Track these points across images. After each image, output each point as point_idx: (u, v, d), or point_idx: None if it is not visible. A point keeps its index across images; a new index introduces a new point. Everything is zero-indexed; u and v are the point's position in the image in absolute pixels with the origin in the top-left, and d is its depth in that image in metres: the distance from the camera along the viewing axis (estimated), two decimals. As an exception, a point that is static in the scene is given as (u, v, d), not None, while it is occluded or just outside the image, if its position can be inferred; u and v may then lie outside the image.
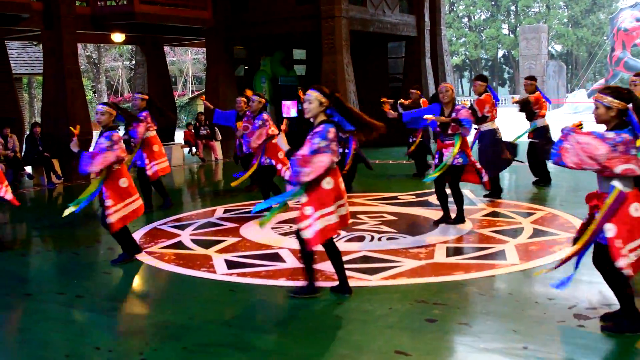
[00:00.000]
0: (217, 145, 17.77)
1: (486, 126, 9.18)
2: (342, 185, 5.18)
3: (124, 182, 6.63)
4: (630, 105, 4.03)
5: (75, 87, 14.37)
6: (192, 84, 47.30)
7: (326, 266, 5.78)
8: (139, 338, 4.71)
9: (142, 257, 6.97)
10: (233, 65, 18.85)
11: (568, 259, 4.30)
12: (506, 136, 9.64)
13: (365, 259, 6.39)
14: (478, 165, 7.90)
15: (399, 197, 10.02)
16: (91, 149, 6.59)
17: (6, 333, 4.91)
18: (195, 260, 6.72)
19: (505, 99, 45.80)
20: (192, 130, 17.92)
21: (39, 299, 5.77)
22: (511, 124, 13.54)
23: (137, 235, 8.04)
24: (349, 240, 7.27)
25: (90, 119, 14.60)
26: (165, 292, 5.98)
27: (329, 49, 16.15)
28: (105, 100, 37.91)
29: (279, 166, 8.80)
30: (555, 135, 4.80)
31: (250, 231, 7.98)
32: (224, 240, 7.56)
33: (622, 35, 41.25)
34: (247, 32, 17.96)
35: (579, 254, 4.23)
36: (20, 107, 17.23)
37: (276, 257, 6.70)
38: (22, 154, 14.03)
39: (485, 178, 7.90)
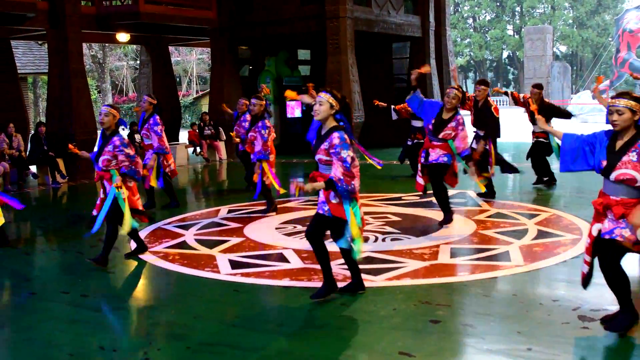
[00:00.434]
0: (222, 145, 17.78)
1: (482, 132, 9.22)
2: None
3: (130, 181, 6.77)
4: None
5: (80, 86, 14.40)
6: (196, 84, 47.35)
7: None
8: (143, 337, 4.72)
9: (146, 256, 6.99)
10: (237, 65, 18.86)
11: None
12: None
13: (369, 260, 6.39)
14: (457, 170, 7.91)
15: (403, 197, 10.01)
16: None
17: (11, 332, 4.92)
18: (200, 260, 6.73)
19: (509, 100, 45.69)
20: (197, 130, 17.93)
21: (44, 298, 5.79)
22: (514, 126, 13.46)
23: (142, 235, 8.05)
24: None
25: (95, 119, 14.64)
26: (169, 291, 5.98)
27: (333, 49, 16.15)
28: (110, 100, 37.98)
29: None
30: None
31: (254, 231, 7.98)
32: (228, 240, 7.56)
33: (628, 37, 41.15)
34: (252, 32, 17.98)
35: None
36: (25, 106, 17.28)
37: (280, 258, 6.70)
38: (27, 153, 14.07)
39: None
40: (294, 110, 19.13)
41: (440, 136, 7.59)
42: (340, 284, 5.44)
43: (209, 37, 18.24)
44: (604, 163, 4.14)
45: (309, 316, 5.00)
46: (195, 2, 17.14)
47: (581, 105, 35.16)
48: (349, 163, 4.88)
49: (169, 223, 8.77)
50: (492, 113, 9.12)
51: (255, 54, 20.32)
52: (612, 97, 4.17)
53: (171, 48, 24.32)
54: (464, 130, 7.58)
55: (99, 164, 6.59)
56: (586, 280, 4.43)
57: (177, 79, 40.71)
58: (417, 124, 11.69)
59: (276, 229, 8.10)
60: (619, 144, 4.11)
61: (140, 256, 6.99)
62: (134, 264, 6.83)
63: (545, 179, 10.69)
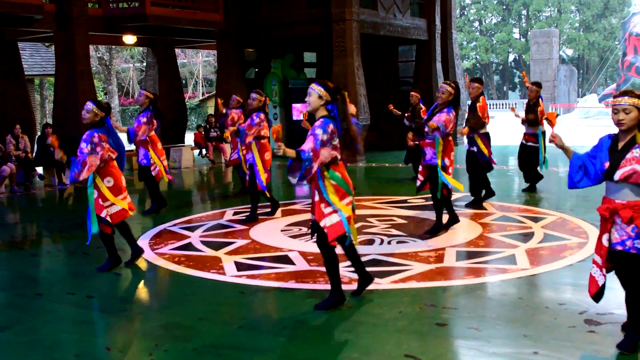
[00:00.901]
0: (227, 148, 17.77)
1: (483, 131, 9.18)
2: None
3: (108, 182, 6.49)
4: None
5: (86, 88, 14.45)
6: (202, 86, 47.47)
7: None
8: (149, 339, 4.72)
9: (152, 258, 7.00)
10: (244, 67, 18.89)
11: None
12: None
13: (375, 262, 6.38)
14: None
15: (408, 200, 10.00)
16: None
17: (17, 333, 4.93)
18: (205, 262, 6.73)
19: (515, 103, 45.69)
20: (202, 132, 17.97)
21: (50, 299, 5.80)
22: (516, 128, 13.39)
23: (147, 237, 8.07)
24: (359, 243, 7.25)
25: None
26: (175, 293, 5.99)
27: (339, 52, 16.17)
28: (116, 101, 38.07)
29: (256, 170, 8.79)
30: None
31: (260, 233, 7.98)
32: (233, 242, 7.57)
33: (634, 40, 41.07)
34: (258, 34, 18.01)
35: None
36: (32, 108, 17.32)
37: (286, 260, 6.70)
38: (34, 154, 14.11)
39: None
40: (300, 113, 19.13)
41: (425, 130, 7.41)
42: (346, 287, 5.43)
43: (215, 39, 18.28)
44: (607, 164, 4.03)
45: (314, 319, 5.00)
46: (201, 5, 17.19)
47: (587, 109, 35.11)
48: (319, 141, 4.84)
49: (175, 225, 8.78)
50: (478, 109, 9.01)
51: (261, 57, 20.35)
52: (615, 97, 4.09)
53: (177, 50, 24.40)
54: (447, 114, 7.31)
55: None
56: (598, 295, 4.19)
57: (183, 81, 40.77)
58: None
59: (281, 231, 8.10)
60: (621, 143, 4.02)
61: (146, 258, 6.99)
62: (139, 265, 6.84)
63: (531, 183, 10.59)
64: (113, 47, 35.20)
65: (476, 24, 64.23)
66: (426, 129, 7.41)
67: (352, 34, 16.08)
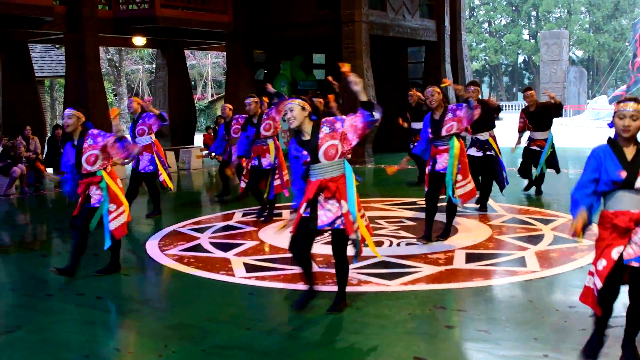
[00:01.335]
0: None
1: (482, 136, 9.06)
2: None
3: (120, 184, 6.46)
4: None
5: (96, 89, 14.51)
6: (211, 88, 47.53)
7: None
8: (158, 340, 4.72)
9: (161, 259, 7.01)
10: (253, 69, 18.92)
11: None
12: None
13: (384, 264, 6.37)
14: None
15: (417, 202, 9.98)
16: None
17: (26, 333, 4.95)
18: (214, 263, 6.74)
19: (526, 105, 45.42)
20: (212, 134, 17.97)
21: (60, 300, 5.83)
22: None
23: (157, 238, 8.09)
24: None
25: (110, 122, 14.70)
26: (184, 294, 5.99)
27: (348, 53, 16.15)
28: (126, 103, 38.18)
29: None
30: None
31: (269, 234, 7.98)
32: (242, 244, 7.57)
33: (645, 42, 40.83)
34: (267, 36, 18.03)
35: None
36: (42, 109, 17.42)
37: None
38: (44, 155, 14.17)
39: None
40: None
41: (444, 134, 7.14)
42: (355, 288, 5.42)
43: (225, 41, 18.31)
44: (624, 174, 3.77)
45: (323, 320, 4.99)
46: (211, 7, 17.22)
47: (597, 110, 34.95)
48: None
49: (184, 226, 8.80)
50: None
51: (270, 58, 20.38)
52: (619, 102, 3.91)
53: (187, 52, 24.42)
54: (463, 111, 7.08)
55: (81, 170, 6.25)
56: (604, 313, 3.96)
57: (193, 83, 40.87)
58: (418, 125, 11.58)
59: (290, 232, 8.07)
60: (628, 151, 3.83)
61: (155, 259, 7.01)
62: (149, 266, 6.85)
63: (529, 184, 10.56)
64: (123, 48, 35.32)
65: (485, 25, 64.08)
66: (443, 133, 7.13)
67: (361, 35, 16.07)
